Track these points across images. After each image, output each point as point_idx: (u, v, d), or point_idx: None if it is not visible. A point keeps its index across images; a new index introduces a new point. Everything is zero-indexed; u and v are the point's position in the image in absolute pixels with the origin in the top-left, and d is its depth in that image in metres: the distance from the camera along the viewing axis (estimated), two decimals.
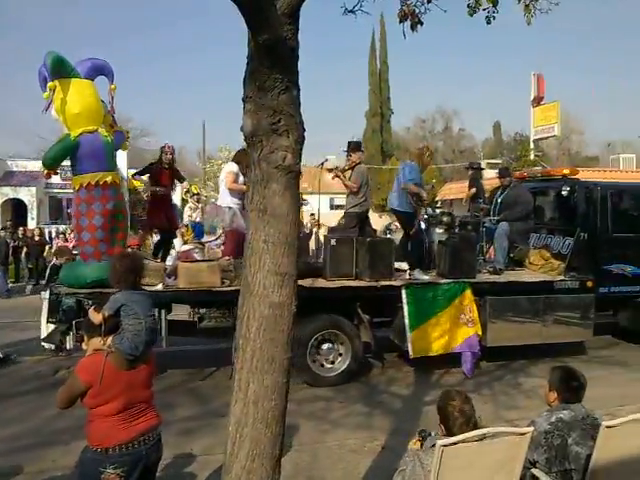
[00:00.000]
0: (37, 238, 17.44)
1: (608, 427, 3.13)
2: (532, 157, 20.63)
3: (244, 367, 2.84)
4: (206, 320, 7.39)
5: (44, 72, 6.64)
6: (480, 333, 7.58)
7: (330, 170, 10.08)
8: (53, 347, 7.30)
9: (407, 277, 7.88)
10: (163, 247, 8.98)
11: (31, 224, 22.72)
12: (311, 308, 7.06)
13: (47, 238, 18.92)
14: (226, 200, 7.89)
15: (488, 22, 3.94)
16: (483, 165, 30.56)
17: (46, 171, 7.18)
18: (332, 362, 7.41)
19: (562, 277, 8.30)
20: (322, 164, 9.67)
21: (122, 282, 3.43)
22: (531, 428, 3.10)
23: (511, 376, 7.48)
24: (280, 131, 2.69)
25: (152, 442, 3.25)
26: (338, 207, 26.01)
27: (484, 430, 2.96)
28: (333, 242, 7.55)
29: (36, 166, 25.79)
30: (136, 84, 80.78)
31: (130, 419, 3.17)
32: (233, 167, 7.98)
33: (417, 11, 4.05)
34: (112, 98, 7.18)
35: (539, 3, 3.97)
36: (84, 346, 3.43)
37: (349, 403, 6.54)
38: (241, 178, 7.76)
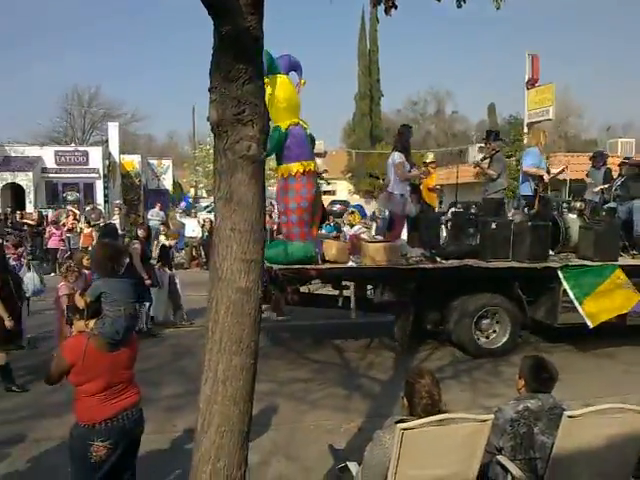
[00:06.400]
0: (33, 222, 17.57)
1: (570, 417, 3.17)
2: (525, 141, 20.39)
3: (213, 348, 2.95)
4: (382, 295, 7.75)
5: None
6: None
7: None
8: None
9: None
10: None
11: (29, 208, 22.92)
12: (475, 286, 7.74)
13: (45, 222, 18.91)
14: (398, 187, 8.21)
15: (459, 6, 3.78)
16: (476, 149, 29.77)
17: None
18: (487, 337, 7.86)
19: None
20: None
21: (101, 269, 3.62)
22: (491, 416, 3.14)
23: (492, 365, 7.46)
24: (245, 121, 2.73)
25: (135, 417, 3.47)
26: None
27: (443, 415, 3.00)
28: (493, 225, 7.88)
29: (32, 151, 26.12)
30: (128, 67, 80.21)
31: (113, 397, 3.36)
32: (400, 157, 8.23)
33: None
34: (299, 92, 7.65)
35: None
36: (73, 328, 3.66)
37: (328, 386, 6.63)
38: (407, 166, 8.14)
